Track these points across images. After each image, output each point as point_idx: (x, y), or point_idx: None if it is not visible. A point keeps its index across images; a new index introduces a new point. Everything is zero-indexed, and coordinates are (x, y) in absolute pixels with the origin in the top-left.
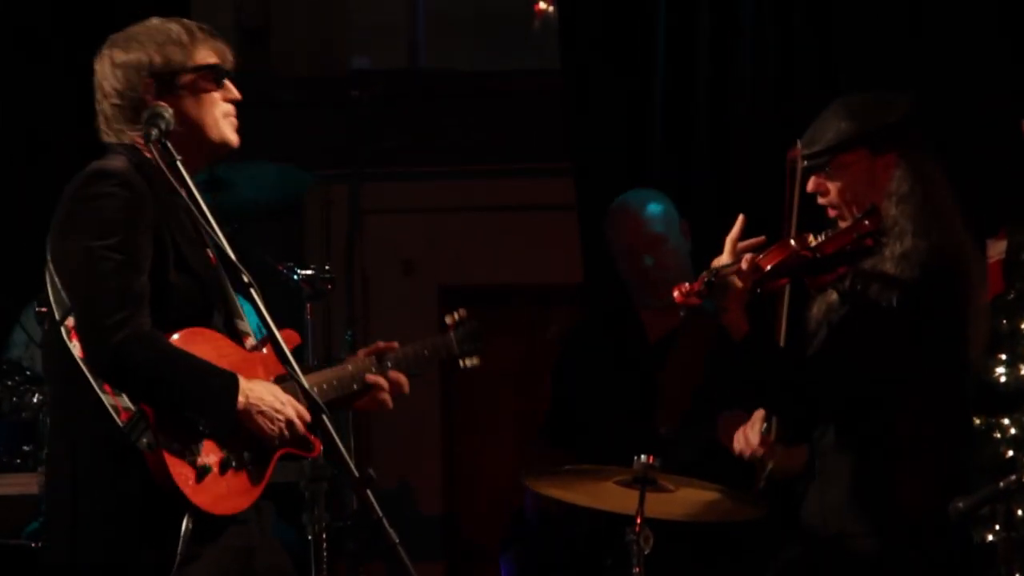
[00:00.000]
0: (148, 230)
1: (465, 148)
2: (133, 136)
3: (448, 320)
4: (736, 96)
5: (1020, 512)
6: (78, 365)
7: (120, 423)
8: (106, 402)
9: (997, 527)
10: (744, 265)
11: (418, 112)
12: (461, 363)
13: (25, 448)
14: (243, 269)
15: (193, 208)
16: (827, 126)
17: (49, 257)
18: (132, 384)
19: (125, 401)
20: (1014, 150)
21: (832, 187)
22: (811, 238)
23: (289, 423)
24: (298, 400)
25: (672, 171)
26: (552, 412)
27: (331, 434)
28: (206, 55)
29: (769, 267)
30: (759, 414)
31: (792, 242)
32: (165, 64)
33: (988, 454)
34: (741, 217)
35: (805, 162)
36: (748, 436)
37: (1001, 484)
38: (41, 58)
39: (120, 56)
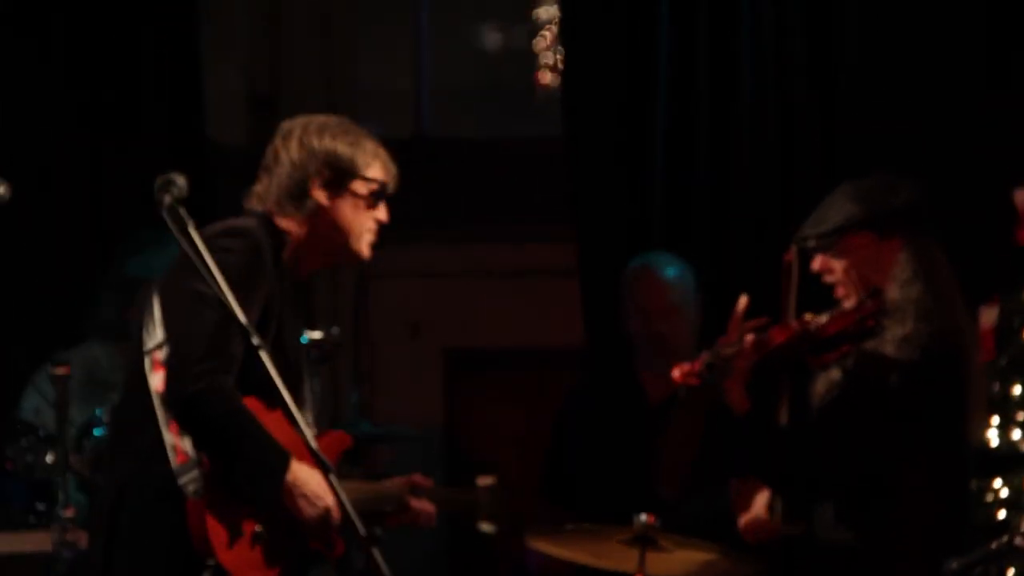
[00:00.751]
0: (261, 298)
1: (469, 213)
2: (287, 212)
3: (480, 481)
4: (737, 163)
5: (1012, 572)
6: (150, 398)
7: (175, 464)
8: (167, 440)
9: None
10: (747, 345)
11: (424, 178)
12: (477, 525)
13: (39, 506)
14: (253, 332)
15: (205, 273)
16: (834, 207)
17: (159, 291)
18: (197, 432)
19: (186, 445)
20: (1006, 217)
21: (837, 266)
22: (812, 318)
23: (328, 511)
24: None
25: (674, 237)
26: (550, 470)
27: (339, 492)
28: (379, 171)
29: (772, 347)
30: (761, 500)
31: (794, 323)
32: (347, 163)
33: (981, 516)
34: (744, 297)
35: (812, 242)
36: (754, 524)
37: (994, 545)
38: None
39: (311, 139)
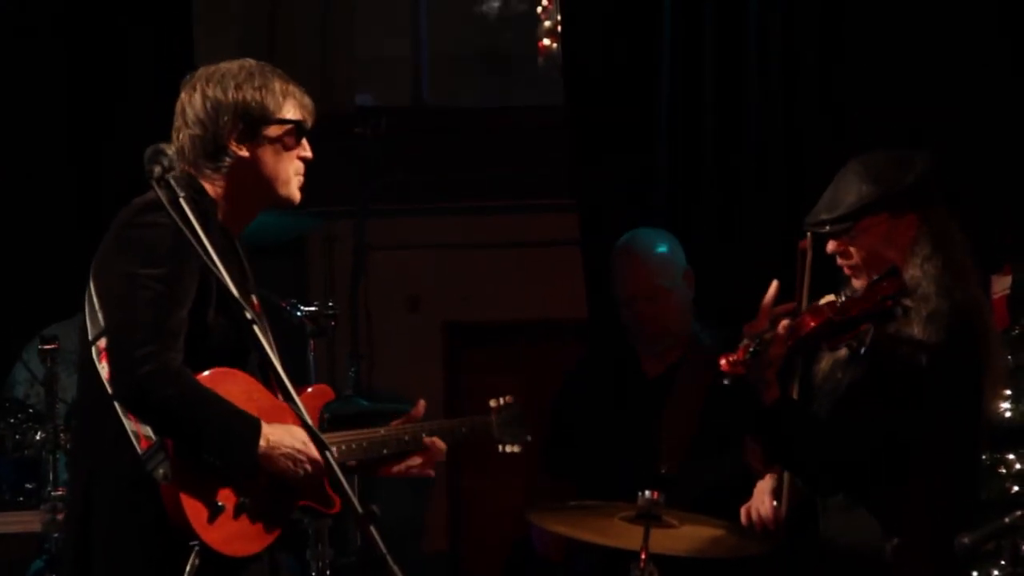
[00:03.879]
0: (195, 267)
1: (469, 184)
2: (207, 171)
3: (492, 403)
4: (742, 129)
5: None
6: (104, 387)
7: (139, 451)
8: (128, 428)
9: (1003, 562)
10: (781, 331)
11: (422, 148)
12: (500, 448)
13: (28, 486)
14: (246, 305)
15: (196, 245)
16: (847, 189)
17: (91, 277)
18: (152, 418)
19: (147, 430)
20: (1019, 185)
21: (853, 250)
22: (833, 302)
23: (313, 461)
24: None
25: (677, 206)
26: (551, 444)
27: (335, 469)
28: (293, 110)
29: (805, 333)
30: (765, 487)
31: (825, 308)
32: (257, 111)
33: (994, 490)
34: (775, 283)
35: (828, 227)
36: (759, 510)
37: (1007, 520)
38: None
39: (213, 91)
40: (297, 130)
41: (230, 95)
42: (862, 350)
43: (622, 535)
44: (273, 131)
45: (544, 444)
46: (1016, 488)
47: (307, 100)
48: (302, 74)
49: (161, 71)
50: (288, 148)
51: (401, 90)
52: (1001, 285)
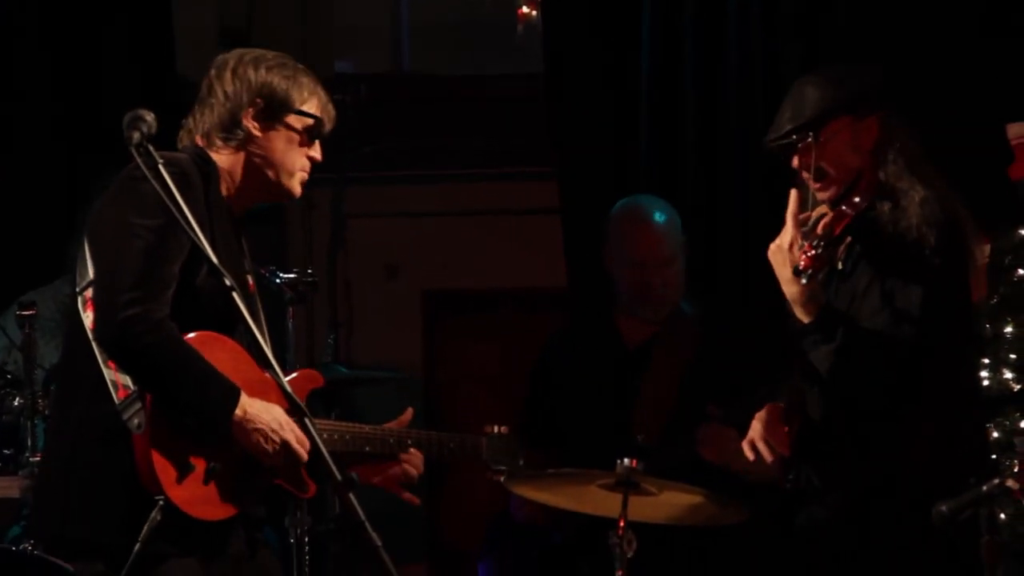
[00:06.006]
0: (188, 222)
1: (449, 152)
2: (218, 142)
3: (487, 428)
4: (723, 97)
5: (1003, 516)
6: (87, 336)
7: (116, 400)
8: (107, 377)
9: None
10: (820, 230)
11: (401, 116)
12: (488, 474)
13: (6, 451)
14: (225, 273)
15: (177, 214)
16: (807, 99)
17: (86, 227)
18: (131, 365)
19: (126, 379)
20: (997, 154)
21: (819, 157)
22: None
23: (285, 444)
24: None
25: (657, 174)
26: (527, 414)
27: (314, 437)
28: (315, 107)
29: (835, 236)
30: (771, 415)
31: (848, 211)
32: (281, 95)
33: None
34: (794, 192)
35: (793, 136)
36: (768, 440)
37: (984, 488)
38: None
39: (244, 69)
40: (314, 127)
41: (261, 74)
42: (849, 263)
43: (600, 503)
44: (291, 120)
45: (521, 411)
46: (994, 456)
47: (331, 108)
48: (281, 40)
49: (137, 35)
50: (300, 142)
51: (381, 58)
52: (980, 254)
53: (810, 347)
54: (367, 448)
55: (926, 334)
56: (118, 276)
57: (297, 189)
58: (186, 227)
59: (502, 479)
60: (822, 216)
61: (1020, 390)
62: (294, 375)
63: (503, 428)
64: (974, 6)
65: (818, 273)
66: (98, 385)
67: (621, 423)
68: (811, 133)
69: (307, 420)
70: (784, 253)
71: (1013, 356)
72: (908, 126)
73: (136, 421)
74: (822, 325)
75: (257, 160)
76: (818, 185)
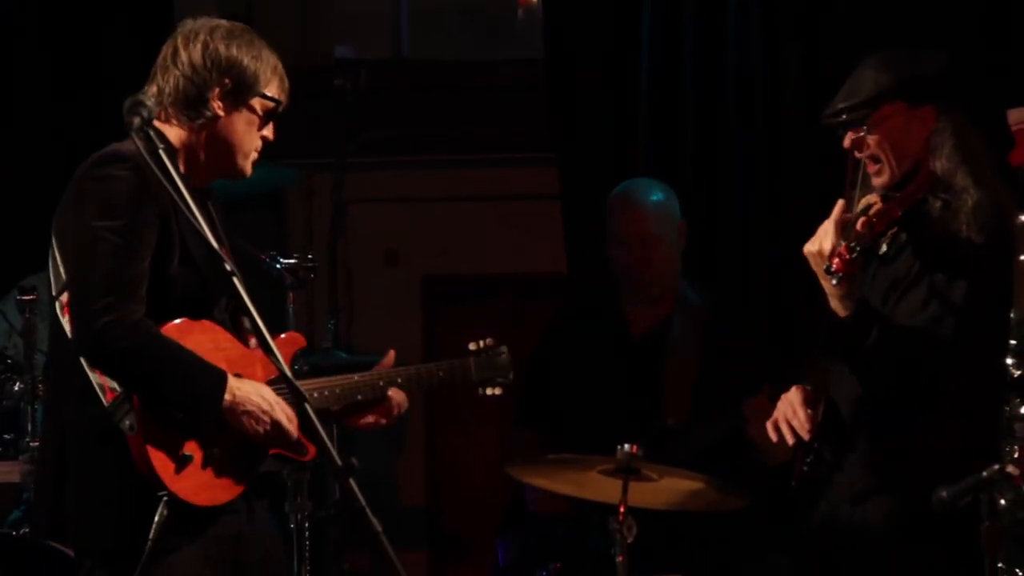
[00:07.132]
0: (155, 218)
1: (449, 137)
2: (178, 119)
3: (472, 346)
4: (722, 83)
5: (1003, 502)
6: (68, 342)
7: (105, 403)
8: (93, 381)
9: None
10: (860, 228)
11: (402, 101)
12: (480, 391)
13: (6, 436)
14: (224, 257)
15: (175, 197)
16: (864, 80)
17: (53, 232)
18: (115, 371)
19: (112, 382)
20: (997, 140)
21: (871, 140)
22: (879, 203)
23: (275, 424)
24: (288, 402)
25: (658, 160)
26: (526, 397)
27: (314, 422)
28: (276, 89)
29: (877, 232)
30: (795, 397)
31: (894, 207)
32: (251, 77)
33: None
34: (841, 201)
35: (845, 115)
36: (795, 421)
37: (985, 474)
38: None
39: (216, 43)
40: (272, 109)
41: (232, 52)
42: (893, 250)
43: (601, 489)
44: (254, 103)
45: (520, 395)
46: None
47: (287, 84)
48: (282, 25)
49: (138, 34)
50: (259, 125)
51: (381, 43)
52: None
53: (844, 341)
54: (359, 397)
55: (966, 338)
56: (88, 283)
57: (249, 169)
58: (187, 213)
59: (499, 392)
60: (865, 210)
61: (1021, 376)
62: (282, 336)
63: (488, 341)
64: (974, 6)
65: (849, 277)
66: (85, 388)
67: (636, 410)
68: (863, 114)
69: (306, 405)
70: (824, 258)
71: (1014, 342)
72: (969, 120)
73: (128, 423)
74: (857, 321)
75: (217, 140)
76: (874, 169)
